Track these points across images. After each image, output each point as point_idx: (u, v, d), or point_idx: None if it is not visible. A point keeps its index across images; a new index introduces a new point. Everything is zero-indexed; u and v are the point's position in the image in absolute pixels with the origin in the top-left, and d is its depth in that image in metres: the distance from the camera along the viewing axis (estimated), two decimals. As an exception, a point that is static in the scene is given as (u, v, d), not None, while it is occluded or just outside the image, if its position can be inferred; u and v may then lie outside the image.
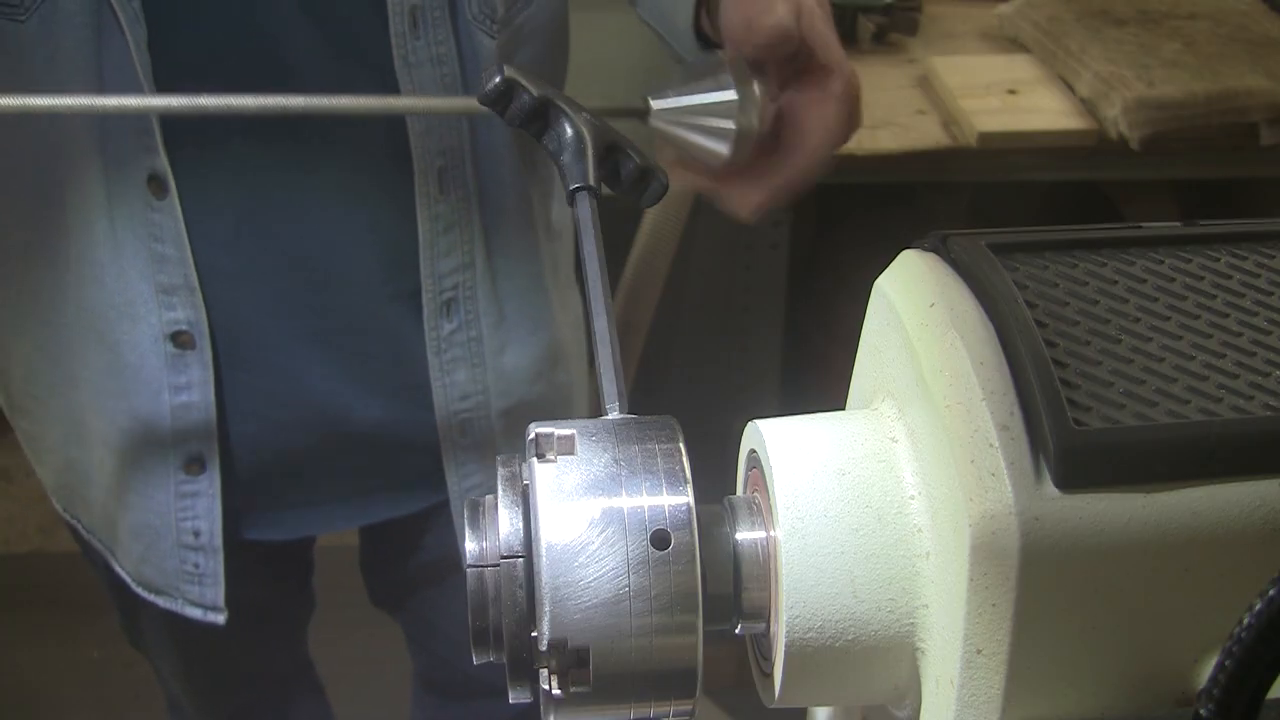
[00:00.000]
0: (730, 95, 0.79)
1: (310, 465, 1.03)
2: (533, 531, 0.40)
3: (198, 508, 1.00)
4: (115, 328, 0.95)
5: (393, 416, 1.02)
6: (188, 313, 0.94)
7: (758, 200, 0.84)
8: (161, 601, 1.04)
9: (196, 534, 1.00)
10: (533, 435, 0.42)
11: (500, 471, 0.42)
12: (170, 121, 0.89)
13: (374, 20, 0.89)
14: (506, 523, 0.41)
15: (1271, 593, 0.30)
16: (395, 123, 0.92)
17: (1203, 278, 0.43)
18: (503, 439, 1.04)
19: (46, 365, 1.00)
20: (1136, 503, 0.38)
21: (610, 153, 0.59)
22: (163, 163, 0.89)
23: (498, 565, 0.41)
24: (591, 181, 0.55)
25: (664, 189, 0.62)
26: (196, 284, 0.93)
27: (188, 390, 0.96)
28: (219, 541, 1.01)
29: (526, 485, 0.42)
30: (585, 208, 0.54)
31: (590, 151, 0.56)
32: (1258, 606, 0.30)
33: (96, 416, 1.00)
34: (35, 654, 2.06)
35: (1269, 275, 0.43)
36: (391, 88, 0.90)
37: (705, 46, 0.89)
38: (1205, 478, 0.38)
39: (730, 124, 0.79)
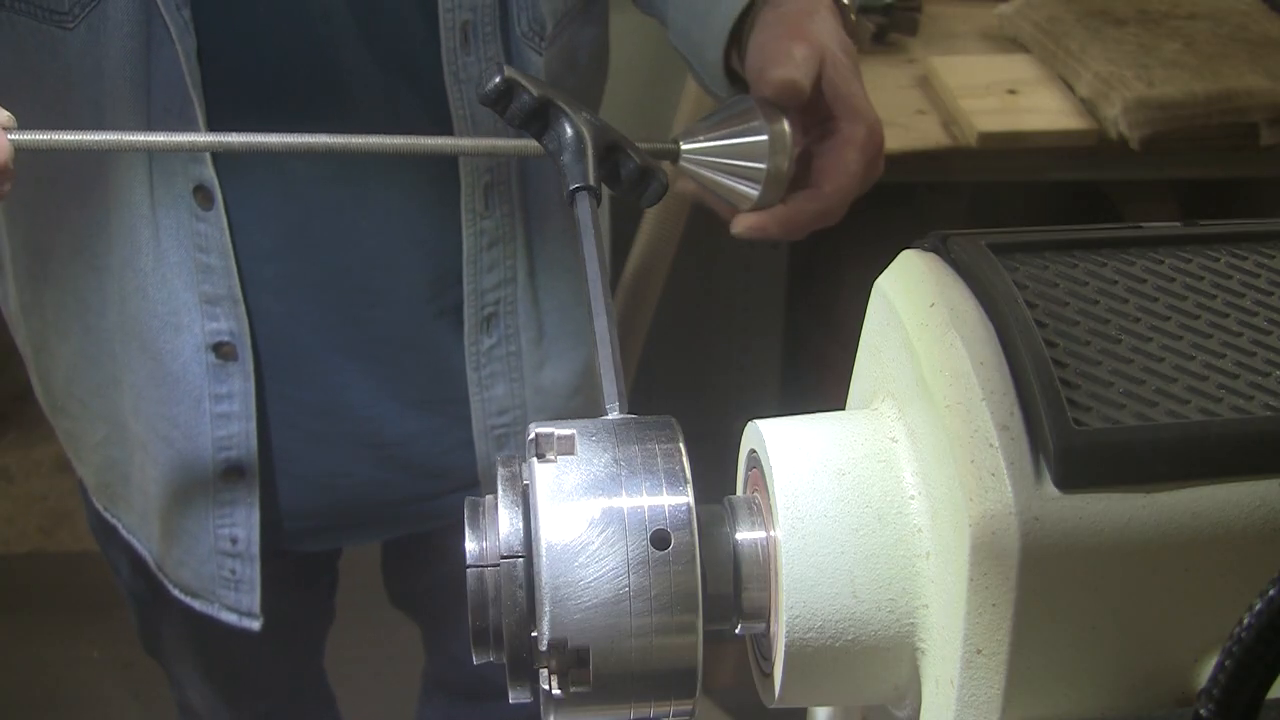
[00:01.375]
0: (762, 137, 0.78)
1: (347, 477, 1.03)
2: (533, 531, 0.40)
3: (236, 515, 1.00)
4: (158, 336, 0.95)
5: (430, 429, 1.02)
6: (230, 324, 0.94)
7: (758, 223, 0.83)
8: (197, 605, 1.04)
9: (234, 540, 1.00)
10: (533, 435, 0.42)
11: (500, 471, 0.42)
12: (216, 131, 0.88)
13: (426, 35, 0.88)
14: (506, 523, 0.41)
15: (1271, 593, 0.30)
16: (445, 135, 0.91)
17: (1203, 278, 0.43)
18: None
19: (89, 367, 1.00)
20: (1136, 503, 0.38)
21: (610, 153, 0.59)
22: (209, 173, 0.89)
23: (498, 565, 0.41)
24: (591, 181, 0.55)
25: (664, 189, 0.62)
26: (240, 295, 0.93)
27: (228, 400, 0.96)
28: (256, 549, 1.00)
29: (526, 485, 0.42)
30: (585, 208, 0.54)
31: (590, 151, 0.56)
32: (1258, 606, 0.30)
33: (136, 420, 1.00)
34: (35, 654, 2.05)
35: (1269, 275, 0.43)
36: (441, 103, 0.90)
37: (734, 84, 0.88)
38: (1205, 478, 0.38)
39: (762, 165, 0.79)
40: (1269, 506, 0.39)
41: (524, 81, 0.57)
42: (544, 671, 0.40)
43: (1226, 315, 0.42)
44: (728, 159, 0.80)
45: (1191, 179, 1.70)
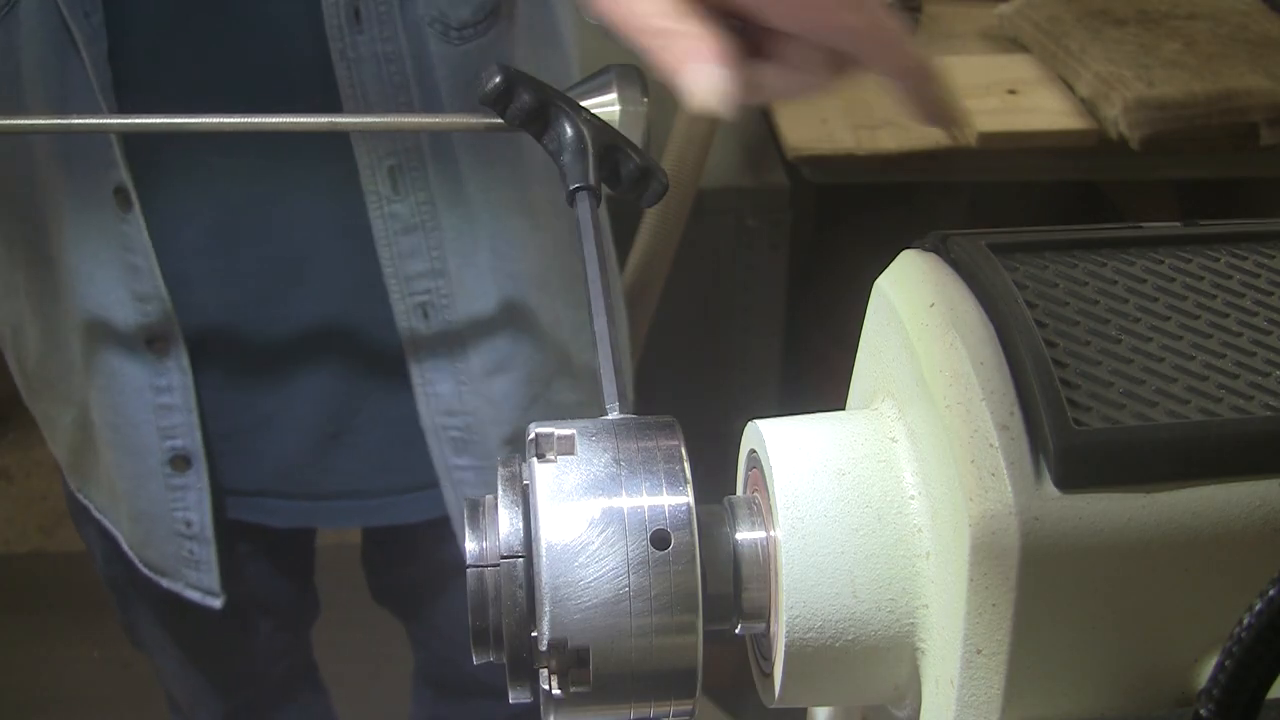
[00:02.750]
0: (614, 102, 0.77)
1: (301, 460, 1.03)
2: (533, 531, 0.40)
3: (188, 499, 1.01)
4: (98, 333, 0.96)
5: (378, 418, 1.02)
6: (161, 321, 0.94)
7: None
8: (164, 582, 1.05)
9: (189, 524, 1.02)
10: (533, 435, 0.42)
11: (500, 471, 0.42)
12: (130, 135, 0.89)
13: (312, 15, 0.87)
14: (506, 523, 0.41)
15: (1271, 593, 0.30)
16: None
17: (1203, 278, 0.43)
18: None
19: (54, 351, 1.02)
20: (1136, 503, 0.38)
21: (610, 153, 0.59)
22: (125, 176, 0.89)
23: (498, 565, 0.41)
24: (591, 181, 0.55)
25: (664, 189, 0.62)
26: (166, 294, 0.93)
27: (169, 392, 0.97)
28: (210, 532, 1.02)
29: (526, 485, 0.42)
30: (585, 208, 0.54)
31: (590, 151, 0.56)
32: (1258, 606, 0.30)
33: (93, 405, 1.01)
34: (35, 654, 2.06)
35: (1269, 275, 0.43)
36: (331, 86, 0.88)
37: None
38: (1205, 478, 0.38)
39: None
40: (1269, 506, 0.39)
41: (524, 81, 0.57)
42: (544, 671, 0.40)
43: (1226, 315, 0.42)
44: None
45: (1191, 179, 1.70)
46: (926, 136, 1.58)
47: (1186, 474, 0.38)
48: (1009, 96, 1.63)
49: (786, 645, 0.42)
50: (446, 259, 0.96)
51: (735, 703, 1.86)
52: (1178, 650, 0.40)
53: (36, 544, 2.26)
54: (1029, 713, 0.40)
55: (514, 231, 0.99)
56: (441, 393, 1.00)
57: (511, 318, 1.01)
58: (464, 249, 0.97)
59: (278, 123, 0.78)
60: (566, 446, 0.41)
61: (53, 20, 0.85)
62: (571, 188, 0.55)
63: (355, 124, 0.88)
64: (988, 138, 1.56)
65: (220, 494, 1.02)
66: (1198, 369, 0.40)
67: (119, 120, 0.86)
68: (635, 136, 0.76)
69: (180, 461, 0.99)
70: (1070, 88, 1.64)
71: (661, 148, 1.54)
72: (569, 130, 0.56)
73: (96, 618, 1.87)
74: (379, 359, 1.00)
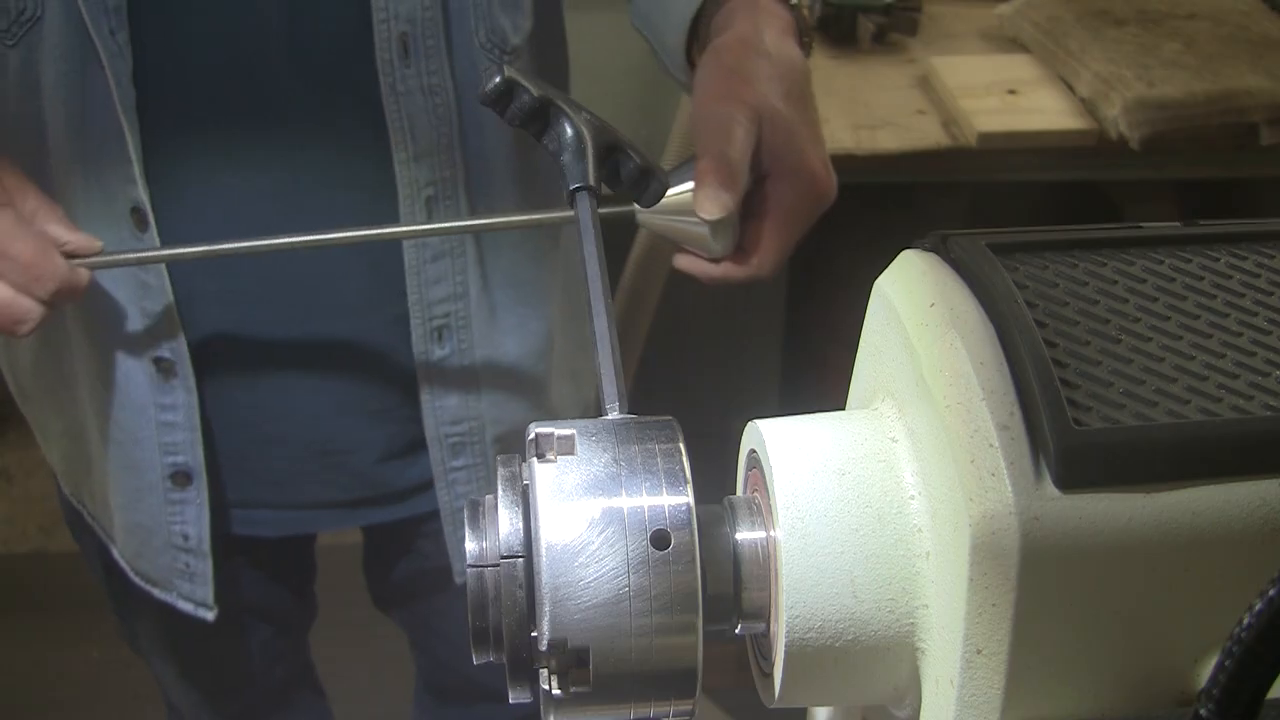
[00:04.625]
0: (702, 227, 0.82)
1: (298, 475, 1.04)
2: (533, 531, 0.40)
3: (186, 514, 1.00)
4: (103, 346, 0.96)
5: (381, 436, 1.02)
6: (170, 341, 0.94)
7: (693, 268, 0.86)
8: (156, 592, 1.05)
9: (186, 537, 1.01)
10: (533, 435, 0.42)
11: (500, 471, 0.42)
12: (152, 153, 0.89)
13: (363, 48, 0.88)
14: (506, 523, 0.41)
15: (1271, 593, 0.30)
16: (381, 150, 0.91)
17: (1203, 278, 0.43)
18: (495, 459, 1.03)
19: (51, 360, 1.01)
20: (1136, 503, 0.38)
21: (610, 153, 0.59)
22: (142, 195, 0.89)
23: (498, 565, 0.41)
24: (591, 181, 0.55)
25: (664, 189, 0.62)
26: (176, 315, 0.94)
27: (172, 410, 0.97)
28: (207, 546, 1.02)
29: (526, 485, 0.42)
30: (585, 208, 0.54)
31: (590, 151, 0.56)
32: (1258, 606, 0.30)
33: (91, 417, 1.01)
34: (35, 654, 2.05)
35: (1269, 275, 0.43)
36: (379, 118, 0.90)
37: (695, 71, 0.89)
38: (1205, 478, 0.38)
39: (704, 234, 0.83)
40: (1269, 506, 0.39)
41: (524, 81, 0.56)
42: (544, 671, 0.40)
43: (1226, 315, 0.42)
44: (679, 214, 0.83)
45: (1191, 179, 1.70)
46: (926, 136, 1.58)
47: (1186, 474, 0.38)
48: (1009, 96, 1.63)
49: (786, 645, 0.42)
50: (468, 283, 0.97)
51: (735, 703, 1.86)
52: (1178, 650, 0.40)
53: (36, 544, 2.26)
54: (1029, 713, 0.40)
55: (531, 245, 1.01)
56: (449, 405, 1.00)
57: (521, 328, 1.02)
58: (484, 271, 0.98)
59: (314, 240, 0.85)
60: (566, 446, 0.41)
61: (76, 36, 0.85)
62: (571, 188, 0.55)
63: (394, 234, 0.91)
64: (988, 138, 1.56)
65: (218, 508, 1.02)
66: (1198, 369, 0.40)
67: (170, 252, 0.88)
68: (725, 235, 0.83)
69: (181, 477, 0.99)
70: (1070, 88, 1.64)
71: (661, 147, 1.54)
72: (569, 130, 0.56)
73: (96, 618, 1.87)
74: (389, 380, 1.00)
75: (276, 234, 0.88)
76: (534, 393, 1.05)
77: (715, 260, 0.85)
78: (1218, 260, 0.44)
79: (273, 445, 1.01)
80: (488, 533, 0.41)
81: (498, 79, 0.56)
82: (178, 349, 0.95)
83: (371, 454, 1.03)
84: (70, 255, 0.85)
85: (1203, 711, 0.31)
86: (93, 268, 0.87)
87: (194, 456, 0.98)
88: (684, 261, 0.87)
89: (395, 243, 0.95)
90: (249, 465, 1.02)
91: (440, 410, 1.00)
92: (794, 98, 0.84)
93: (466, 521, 0.42)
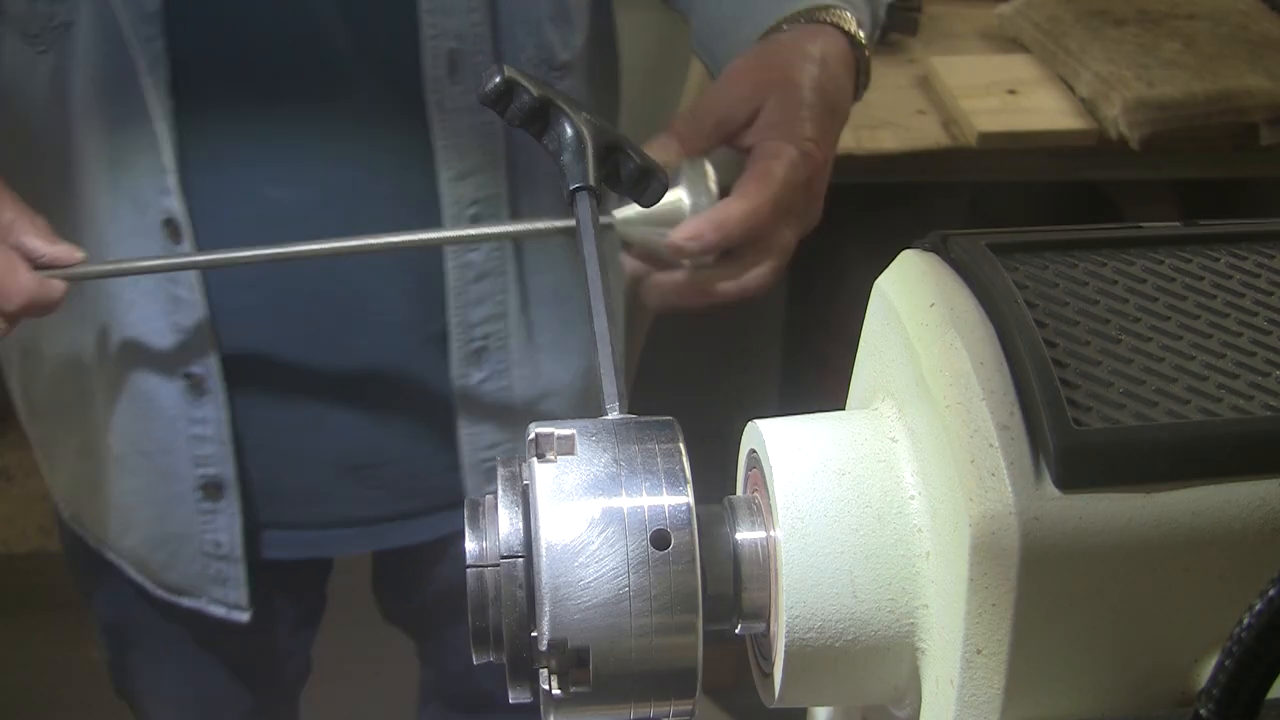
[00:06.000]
0: (682, 198, 0.80)
1: (328, 494, 1.02)
2: (533, 531, 0.40)
3: (218, 522, 0.99)
4: (132, 360, 0.94)
5: (416, 455, 1.01)
6: (202, 356, 0.93)
7: (693, 230, 0.82)
8: (185, 601, 1.04)
9: (218, 544, 1.00)
10: (532, 435, 0.42)
11: (500, 471, 0.42)
12: (188, 163, 0.87)
13: (413, 63, 0.87)
14: (506, 523, 0.41)
15: (1271, 593, 0.30)
16: (427, 169, 0.90)
17: (1203, 278, 0.43)
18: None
19: (71, 376, 1.00)
20: (1136, 503, 0.38)
21: (610, 153, 0.59)
22: (177, 206, 0.88)
23: (498, 565, 0.41)
24: (591, 181, 0.55)
25: (664, 189, 0.62)
26: (209, 330, 0.92)
27: (203, 424, 0.96)
28: (240, 552, 1.00)
29: (526, 485, 0.42)
30: (585, 208, 0.54)
31: (590, 151, 0.56)
32: (1258, 606, 0.30)
33: (111, 435, 0.99)
34: (35, 654, 2.05)
35: (1269, 275, 0.43)
36: (426, 134, 0.88)
37: None
38: (1205, 478, 0.38)
39: (680, 197, 0.81)
40: (1269, 506, 0.39)
41: (524, 81, 0.56)
42: (544, 671, 0.40)
43: (1226, 315, 0.42)
44: (655, 226, 0.81)
45: (1191, 179, 1.70)
46: (926, 136, 1.58)
47: (1186, 474, 0.38)
48: (1009, 96, 1.63)
49: (786, 645, 0.42)
50: (508, 302, 0.96)
51: (735, 703, 1.86)
52: (1178, 650, 0.40)
53: (36, 544, 2.25)
54: (1029, 713, 0.40)
55: (572, 263, 0.99)
56: (486, 430, 0.99)
57: (559, 346, 1.01)
58: (524, 290, 0.97)
59: (340, 247, 0.82)
60: (566, 446, 0.41)
61: (110, 44, 0.83)
62: (571, 188, 0.55)
63: (426, 240, 0.89)
64: (988, 138, 1.56)
65: (248, 521, 1.01)
66: (1198, 369, 0.40)
67: (188, 259, 0.87)
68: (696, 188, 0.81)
69: (213, 489, 0.98)
70: (1070, 88, 1.64)
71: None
72: (569, 130, 0.56)
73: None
74: (424, 399, 0.99)
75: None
76: (575, 412, 1.03)
77: (697, 260, 0.82)
78: (1218, 260, 0.44)
79: (305, 461, 1.00)
80: (488, 533, 0.41)
81: (498, 79, 0.56)
82: (210, 364, 0.93)
83: (403, 474, 1.02)
84: (48, 266, 0.83)
85: (1203, 711, 0.31)
86: (69, 279, 0.84)
87: (225, 469, 0.97)
88: (683, 229, 0.82)
89: (438, 262, 0.93)
90: (280, 480, 1.01)
91: (477, 435, 0.99)
92: (818, 92, 0.82)
93: (466, 521, 0.42)
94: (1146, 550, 0.38)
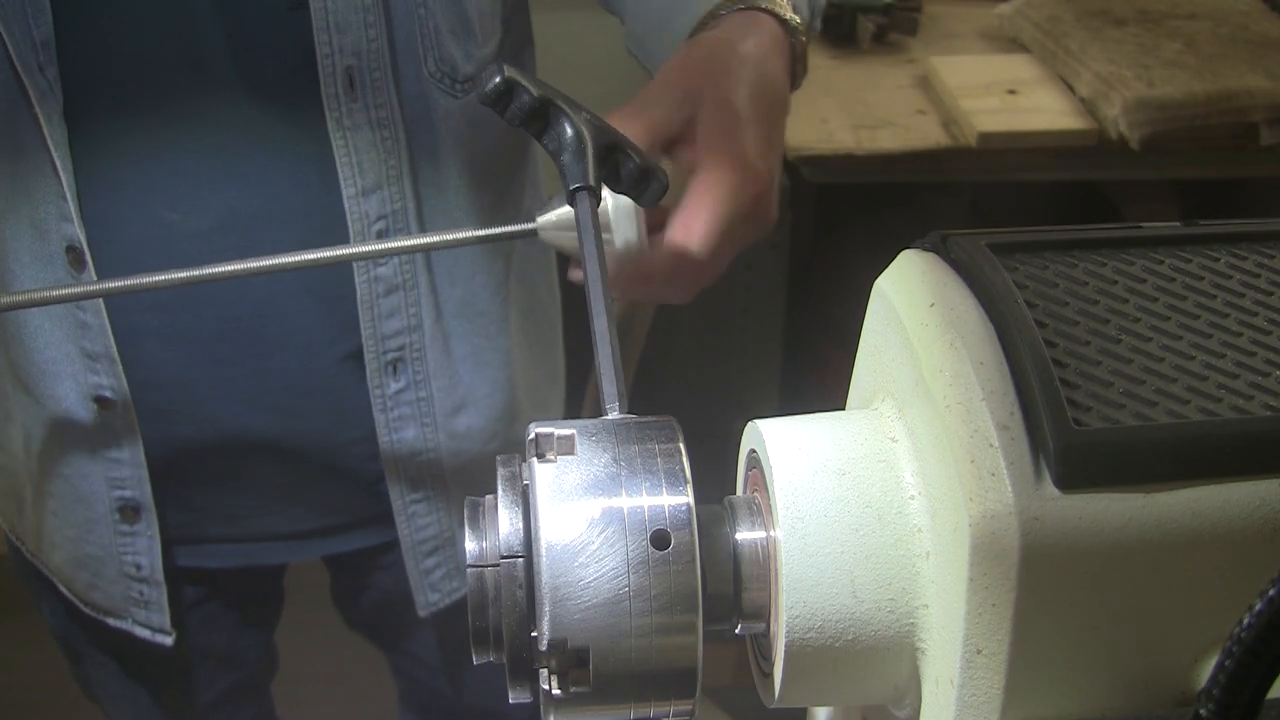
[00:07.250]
0: (606, 201, 0.75)
1: (249, 513, 1.02)
2: (533, 531, 0.40)
3: (137, 545, 0.99)
4: (40, 383, 0.94)
5: (338, 467, 1.01)
6: (110, 380, 0.92)
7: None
8: (111, 621, 1.03)
9: (139, 567, 1.00)
10: (533, 435, 0.42)
11: (500, 471, 0.42)
12: (88, 191, 0.86)
13: (308, 83, 0.85)
14: (506, 522, 0.41)
15: (1271, 593, 0.30)
16: (330, 187, 0.89)
17: (1203, 278, 0.43)
18: (455, 490, 1.02)
19: None
20: (1136, 503, 0.38)
21: (610, 153, 0.59)
22: (78, 234, 0.87)
23: (497, 565, 0.41)
24: (591, 181, 0.55)
25: (664, 189, 0.62)
26: (116, 354, 0.91)
27: (117, 447, 0.95)
28: (161, 575, 1.00)
29: (526, 485, 0.42)
30: (585, 208, 0.54)
31: (590, 151, 0.56)
32: (1258, 606, 0.30)
33: (28, 457, 0.99)
34: (35, 654, 2.05)
35: (1269, 275, 0.43)
36: (327, 152, 0.88)
37: None
38: (1205, 478, 0.38)
39: (609, 235, 0.75)
40: (1269, 506, 0.39)
41: (524, 81, 0.56)
42: (544, 671, 0.40)
43: (1226, 315, 0.42)
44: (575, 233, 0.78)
45: (1191, 179, 1.70)
46: (926, 136, 1.58)
47: (1186, 474, 0.38)
48: (1009, 96, 1.64)
49: (786, 645, 0.42)
50: (421, 314, 0.95)
51: (735, 703, 1.86)
52: (1178, 650, 0.40)
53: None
54: (1029, 713, 0.40)
55: (484, 275, 0.99)
56: (407, 438, 0.99)
57: (476, 358, 1.00)
58: (437, 301, 0.96)
59: (255, 268, 0.78)
60: (566, 446, 0.41)
61: (2, 73, 0.82)
62: (571, 188, 0.55)
63: (347, 255, 0.85)
64: (988, 138, 1.56)
65: (170, 541, 1.00)
66: (1198, 369, 0.40)
67: (97, 287, 0.83)
68: (631, 231, 0.76)
69: (130, 512, 0.97)
70: (1070, 88, 1.65)
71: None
72: (569, 130, 0.56)
73: (96, 618, 1.86)
74: (342, 414, 0.98)
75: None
76: (496, 424, 1.03)
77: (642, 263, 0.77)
78: (1218, 260, 0.44)
79: (224, 480, 0.99)
80: (487, 533, 0.41)
81: (497, 79, 0.56)
82: (119, 388, 0.92)
83: (328, 487, 1.02)
84: None
85: (1203, 711, 0.31)
86: None
87: (141, 491, 0.96)
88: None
89: (347, 278, 0.92)
90: (200, 500, 1.00)
91: (398, 444, 0.98)
92: (754, 98, 0.78)
93: (466, 521, 0.42)
94: (1146, 550, 0.38)
